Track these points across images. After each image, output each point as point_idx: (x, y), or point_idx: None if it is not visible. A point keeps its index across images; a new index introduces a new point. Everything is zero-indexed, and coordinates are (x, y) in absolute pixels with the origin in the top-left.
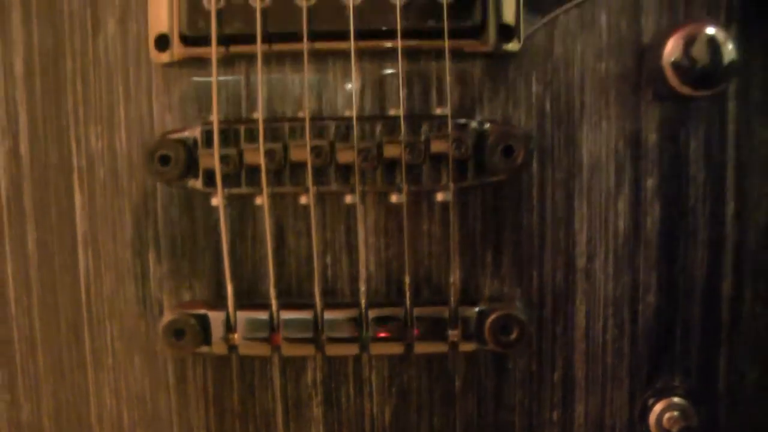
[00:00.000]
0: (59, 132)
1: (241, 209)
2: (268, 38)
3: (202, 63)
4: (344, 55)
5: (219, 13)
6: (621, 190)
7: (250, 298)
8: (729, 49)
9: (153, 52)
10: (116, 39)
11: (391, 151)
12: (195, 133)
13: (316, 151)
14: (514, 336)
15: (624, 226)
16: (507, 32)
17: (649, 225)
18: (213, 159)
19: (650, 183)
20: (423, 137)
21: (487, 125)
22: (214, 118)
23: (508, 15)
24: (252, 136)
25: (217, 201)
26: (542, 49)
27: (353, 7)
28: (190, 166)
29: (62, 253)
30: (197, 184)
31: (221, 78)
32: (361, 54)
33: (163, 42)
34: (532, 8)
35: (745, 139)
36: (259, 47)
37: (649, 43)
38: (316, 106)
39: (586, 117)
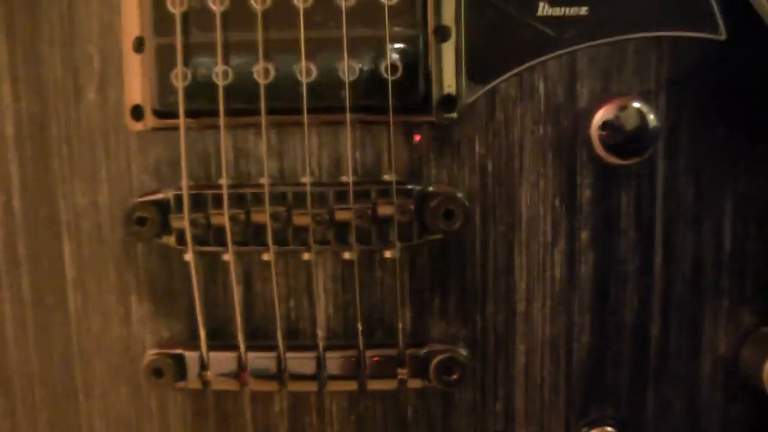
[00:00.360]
0: (48, 189)
1: (212, 259)
2: (231, 112)
3: (175, 130)
4: (302, 125)
5: (187, 89)
6: (557, 242)
7: (222, 337)
8: (651, 121)
9: (129, 121)
10: (96, 106)
11: (341, 215)
12: (168, 195)
13: (274, 216)
14: (455, 377)
15: (560, 274)
16: (449, 102)
17: (583, 273)
18: (183, 222)
19: (584, 235)
20: (371, 203)
21: (431, 188)
22: (183, 186)
23: (450, 86)
24: (218, 202)
25: (189, 257)
26: (484, 114)
27: (307, 84)
28: (165, 226)
29: (54, 295)
30: (171, 241)
31: (192, 145)
32: (318, 124)
33: (137, 112)
34: (473, 77)
35: (672, 196)
36: (221, 122)
37: (584, 109)
38: (278, 169)
39: (525, 176)
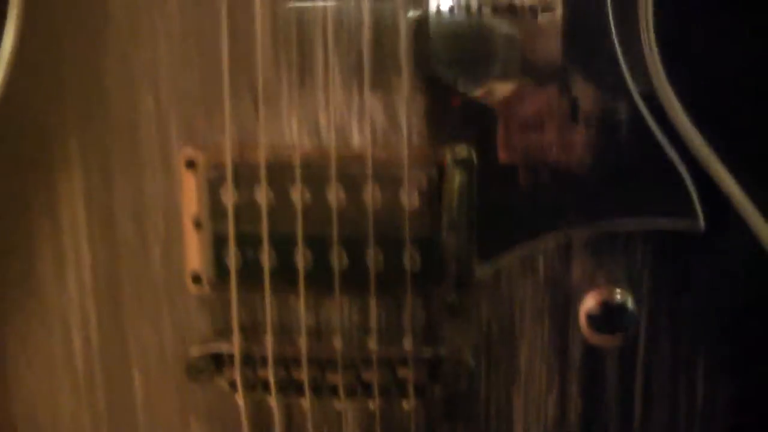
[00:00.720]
0: (119, 327)
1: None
2: (276, 284)
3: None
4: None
5: (238, 266)
6: (551, 392)
7: None
8: (631, 305)
9: (188, 283)
10: (161, 265)
11: (367, 377)
12: (222, 350)
13: (311, 376)
14: None
15: (552, 418)
16: (462, 279)
17: (572, 417)
18: (235, 374)
19: (574, 387)
20: (391, 367)
21: (442, 353)
22: (235, 349)
23: (464, 266)
24: (264, 360)
25: (239, 400)
26: (491, 284)
27: (340, 270)
28: (219, 370)
29: (126, 415)
30: (224, 385)
31: (243, 306)
32: (349, 296)
33: (196, 278)
34: (481, 256)
35: (651, 360)
36: (267, 295)
37: (576, 285)
38: (315, 324)
39: (525, 337)
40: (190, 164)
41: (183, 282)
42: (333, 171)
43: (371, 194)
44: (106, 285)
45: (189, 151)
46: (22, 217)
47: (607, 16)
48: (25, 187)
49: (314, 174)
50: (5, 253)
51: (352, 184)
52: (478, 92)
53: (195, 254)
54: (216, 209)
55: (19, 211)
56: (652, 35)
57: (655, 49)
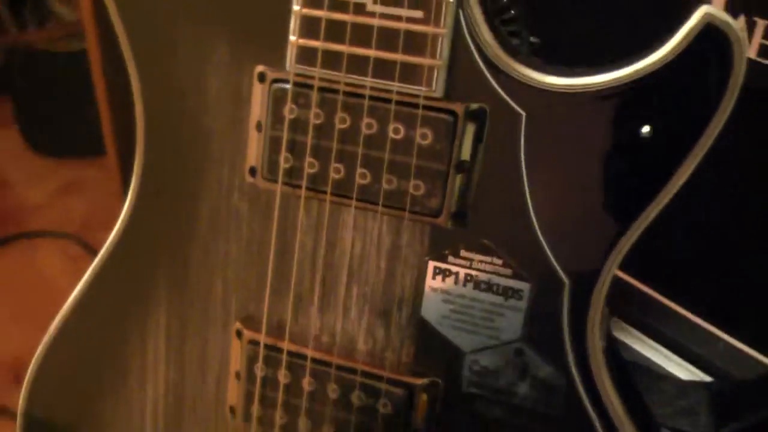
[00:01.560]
0: (178, 422)
1: None
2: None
3: None
4: None
5: (259, 415)
6: None
7: None
8: None
9: (227, 414)
10: (214, 392)
11: None
12: None
13: None
14: None
15: None
16: None
17: None
18: None
19: None
20: None
21: None
22: None
23: None
24: None
25: None
26: None
27: None
28: None
29: None
30: None
31: None
32: None
33: (232, 410)
34: None
35: None
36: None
37: None
38: None
39: None
40: (239, 334)
41: (225, 412)
42: (333, 371)
43: (357, 395)
44: (173, 396)
45: (238, 325)
46: (125, 341)
47: (562, 312)
48: (127, 320)
49: (320, 369)
50: (110, 360)
51: (345, 384)
52: (454, 338)
53: (234, 396)
54: (251, 373)
55: (124, 336)
56: (597, 333)
57: (599, 344)
